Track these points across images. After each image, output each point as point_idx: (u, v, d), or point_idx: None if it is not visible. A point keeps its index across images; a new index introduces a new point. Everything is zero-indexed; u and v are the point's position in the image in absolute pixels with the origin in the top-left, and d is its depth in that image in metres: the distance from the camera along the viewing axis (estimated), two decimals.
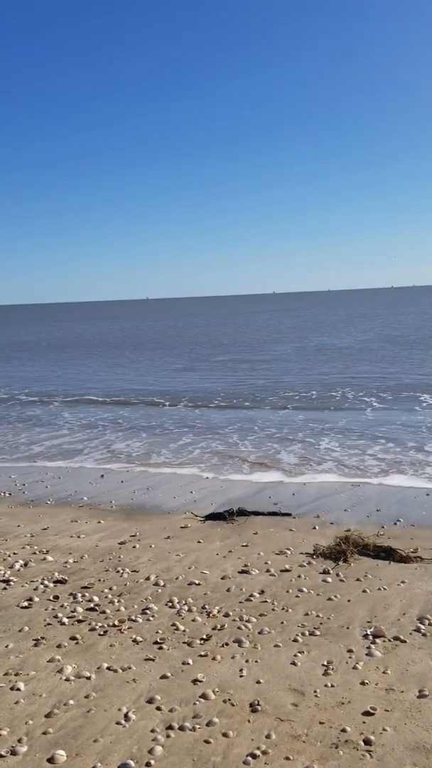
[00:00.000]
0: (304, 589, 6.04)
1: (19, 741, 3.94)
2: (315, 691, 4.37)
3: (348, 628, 5.27)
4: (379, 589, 6.01)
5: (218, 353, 34.84)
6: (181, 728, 4.01)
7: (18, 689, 4.49)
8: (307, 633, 5.19)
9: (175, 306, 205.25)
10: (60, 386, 24.14)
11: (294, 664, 4.73)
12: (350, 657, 4.81)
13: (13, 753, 3.83)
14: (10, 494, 10.08)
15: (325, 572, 6.45)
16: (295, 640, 5.07)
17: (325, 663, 4.73)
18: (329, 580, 6.26)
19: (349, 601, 5.78)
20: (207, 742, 3.88)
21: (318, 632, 5.20)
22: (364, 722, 4.02)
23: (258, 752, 3.75)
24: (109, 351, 40.57)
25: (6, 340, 57.68)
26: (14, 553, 7.28)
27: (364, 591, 5.98)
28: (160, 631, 5.32)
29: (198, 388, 22.08)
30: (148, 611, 5.68)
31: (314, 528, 7.91)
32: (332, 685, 4.44)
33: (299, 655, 4.85)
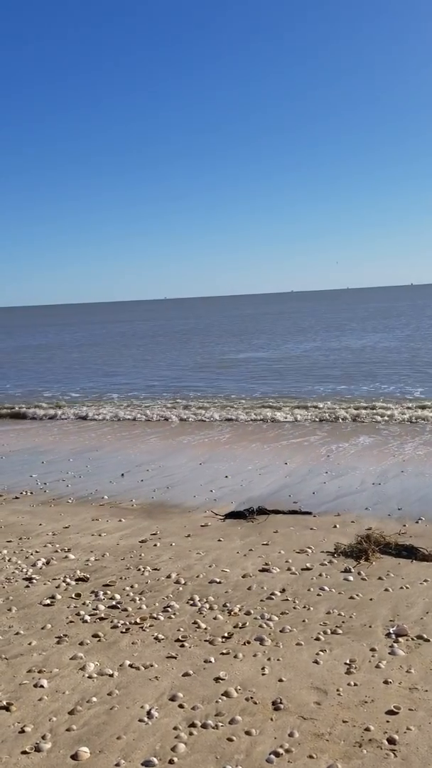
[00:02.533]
0: (326, 588, 6.02)
1: (43, 738, 3.96)
2: (338, 690, 4.35)
3: (370, 626, 5.24)
4: (402, 587, 5.97)
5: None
6: (204, 726, 4.02)
7: (41, 686, 4.52)
8: (329, 631, 5.17)
9: (202, 305, 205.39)
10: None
11: (316, 662, 4.71)
12: (373, 656, 4.78)
13: (38, 750, 3.86)
14: (31, 493, 10.15)
15: (347, 571, 6.42)
16: (318, 639, 5.05)
17: (348, 662, 4.70)
18: (351, 578, 6.23)
19: (371, 599, 5.75)
20: (230, 740, 3.88)
21: (340, 631, 5.17)
22: (387, 721, 3.99)
23: (281, 750, 3.74)
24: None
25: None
26: (36, 552, 7.33)
27: (386, 590, 5.94)
28: (182, 629, 5.32)
29: None
30: (169, 609, 5.69)
31: (335, 526, 7.88)
32: (355, 684, 4.41)
33: (321, 653, 4.83)
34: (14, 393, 23.62)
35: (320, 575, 6.34)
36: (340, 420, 15.58)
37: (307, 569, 6.51)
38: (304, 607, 5.64)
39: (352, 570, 6.42)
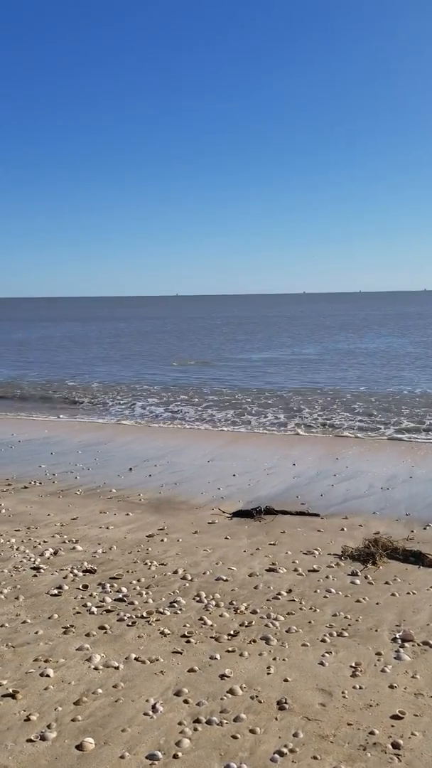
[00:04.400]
0: (332, 590, 6.01)
1: (48, 727, 3.98)
2: (343, 692, 4.35)
3: (376, 630, 5.24)
4: (408, 593, 5.96)
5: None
6: (209, 722, 4.03)
7: (47, 676, 4.55)
8: (335, 634, 5.17)
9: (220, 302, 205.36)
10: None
11: (322, 664, 4.71)
12: (378, 660, 4.78)
13: (43, 738, 3.88)
14: (40, 483, 10.19)
15: (354, 574, 6.41)
16: (323, 641, 5.05)
17: (353, 665, 4.70)
18: (358, 582, 6.22)
19: (377, 604, 5.74)
20: (234, 737, 3.89)
21: (346, 633, 5.17)
22: (392, 726, 3.99)
23: (285, 750, 3.75)
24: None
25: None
26: (44, 542, 7.36)
27: (392, 594, 5.94)
28: (188, 625, 5.34)
29: None
30: (175, 604, 5.71)
31: (342, 529, 7.87)
32: (360, 687, 4.41)
33: (327, 655, 4.83)
34: (39, 380, 23.84)
35: (327, 577, 6.34)
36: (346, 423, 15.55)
37: (314, 571, 6.51)
38: (311, 608, 5.65)
39: (359, 573, 6.42)
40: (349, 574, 6.41)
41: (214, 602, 5.75)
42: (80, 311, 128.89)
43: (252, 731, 3.94)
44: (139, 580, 6.25)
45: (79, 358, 33.61)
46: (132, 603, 5.75)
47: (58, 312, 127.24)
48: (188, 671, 4.63)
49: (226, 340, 45.04)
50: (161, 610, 5.60)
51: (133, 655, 4.83)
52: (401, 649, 4.90)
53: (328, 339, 44.32)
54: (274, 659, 4.79)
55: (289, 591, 6.01)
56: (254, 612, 5.57)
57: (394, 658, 4.80)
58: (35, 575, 6.37)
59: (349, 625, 5.33)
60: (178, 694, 4.34)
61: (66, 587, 6.06)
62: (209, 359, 31.50)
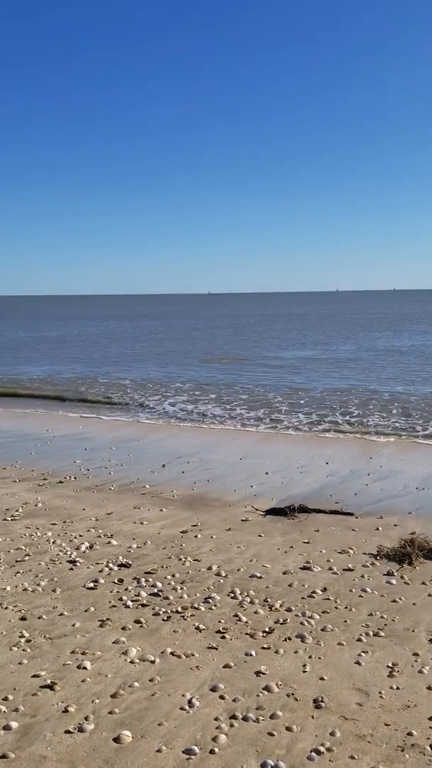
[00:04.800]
0: (368, 590, 5.96)
1: (86, 719, 4.03)
2: (380, 693, 4.31)
3: (413, 631, 5.18)
4: None
5: None
6: (245, 719, 4.03)
7: (84, 668, 4.59)
8: (371, 633, 5.12)
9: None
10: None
11: (358, 663, 4.68)
12: (416, 660, 4.72)
13: (81, 730, 3.92)
14: (75, 478, 10.29)
15: (389, 574, 6.35)
16: (359, 640, 5.02)
17: (390, 665, 4.66)
18: (393, 582, 6.16)
19: (414, 604, 5.68)
20: (270, 734, 3.88)
21: (382, 633, 5.13)
22: (430, 727, 3.95)
23: (322, 749, 3.73)
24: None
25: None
26: (80, 535, 7.44)
27: (429, 595, 5.87)
28: (223, 621, 5.34)
29: None
30: (210, 600, 5.72)
31: (377, 529, 7.79)
32: (397, 688, 4.37)
33: (363, 654, 4.80)
34: (73, 377, 24.18)
35: (362, 576, 6.29)
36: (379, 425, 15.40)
37: (349, 570, 6.46)
38: (346, 607, 5.61)
39: (395, 573, 6.35)
40: (384, 574, 6.35)
41: (248, 599, 5.75)
42: (114, 309, 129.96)
43: (288, 729, 3.93)
44: (173, 576, 6.28)
45: (114, 355, 33.85)
46: (167, 598, 5.77)
47: (96, 310, 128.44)
48: (224, 667, 4.63)
49: (260, 338, 44.96)
50: (196, 605, 5.62)
51: (169, 650, 4.85)
52: None
53: (363, 337, 43.93)
54: (310, 657, 4.77)
55: (324, 589, 5.98)
56: (289, 610, 5.55)
57: None
58: (71, 568, 6.44)
59: (385, 624, 5.28)
60: (214, 689, 4.35)
61: (102, 581, 6.12)
62: (243, 357, 31.47)
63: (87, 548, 6.99)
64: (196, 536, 7.49)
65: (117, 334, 50.67)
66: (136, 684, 4.40)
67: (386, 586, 6.06)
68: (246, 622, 5.33)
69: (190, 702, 4.20)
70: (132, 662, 4.69)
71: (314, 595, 5.86)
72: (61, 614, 5.44)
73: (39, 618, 5.37)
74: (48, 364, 29.10)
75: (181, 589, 5.97)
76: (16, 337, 48.45)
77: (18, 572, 6.34)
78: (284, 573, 6.38)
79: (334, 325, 59.43)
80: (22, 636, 5.06)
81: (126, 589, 5.95)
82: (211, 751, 3.72)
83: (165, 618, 5.38)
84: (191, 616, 5.43)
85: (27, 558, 6.71)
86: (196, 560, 6.71)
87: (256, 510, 8.61)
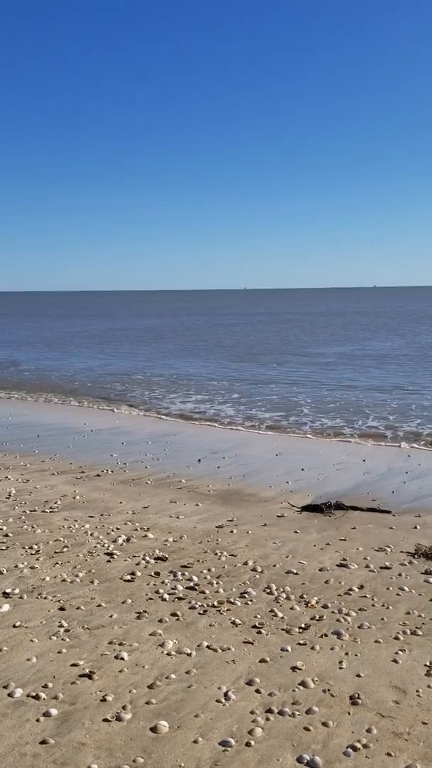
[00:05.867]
0: (405, 588, 5.91)
1: (124, 708, 4.08)
2: (417, 691, 4.27)
3: None
4: None
5: None
6: (281, 713, 4.04)
7: (122, 658, 4.65)
8: (408, 632, 5.08)
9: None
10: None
11: (395, 661, 4.64)
12: None
13: (118, 719, 3.97)
14: (112, 471, 10.41)
15: (428, 573, 6.28)
16: (396, 638, 4.97)
17: (428, 663, 4.61)
18: (431, 581, 6.10)
19: None
20: (306, 729, 3.88)
21: (420, 632, 5.08)
22: None
23: (359, 745, 3.72)
24: None
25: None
26: (117, 528, 7.53)
27: None
28: (259, 616, 5.35)
29: None
30: (246, 595, 5.73)
31: (415, 527, 7.71)
32: None
33: (400, 653, 4.76)
34: (112, 372, 24.31)
35: (400, 575, 6.24)
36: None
37: (386, 568, 6.41)
38: (383, 605, 5.57)
39: None
40: (422, 573, 6.29)
41: (284, 595, 5.75)
42: (156, 305, 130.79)
43: (324, 724, 3.93)
44: (209, 570, 6.31)
45: (155, 350, 34.05)
46: (203, 592, 5.81)
47: (138, 306, 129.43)
48: (259, 661, 4.64)
49: (301, 332, 44.79)
50: (232, 600, 5.64)
51: (205, 643, 4.89)
52: None
53: (407, 333, 43.36)
54: (346, 654, 4.75)
55: (361, 587, 5.95)
56: (325, 606, 5.54)
57: None
58: (109, 561, 6.52)
59: (423, 623, 5.23)
60: (249, 683, 4.37)
61: (138, 573, 6.19)
62: (281, 354, 31.35)
63: (124, 541, 7.07)
64: (231, 531, 7.51)
65: (158, 330, 50.93)
66: (173, 676, 4.45)
67: (424, 585, 6.00)
68: (282, 617, 5.33)
69: (226, 695, 4.22)
70: (168, 654, 4.73)
71: (351, 592, 5.83)
72: (99, 605, 5.52)
73: (77, 608, 5.45)
74: (87, 360, 29.43)
75: (217, 583, 6.00)
76: (77, 331, 49.08)
77: (57, 563, 6.45)
78: (320, 570, 6.37)
79: (373, 320, 58.77)
80: (61, 626, 5.15)
81: (162, 582, 6.01)
82: (247, 744, 3.74)
83: (201, 612, 5.42)
84: (227, 610, 5.46)
85: (65, 549, 6.82)
86: (232, 555, 6.73)
87: (292, 506, 8.59)
